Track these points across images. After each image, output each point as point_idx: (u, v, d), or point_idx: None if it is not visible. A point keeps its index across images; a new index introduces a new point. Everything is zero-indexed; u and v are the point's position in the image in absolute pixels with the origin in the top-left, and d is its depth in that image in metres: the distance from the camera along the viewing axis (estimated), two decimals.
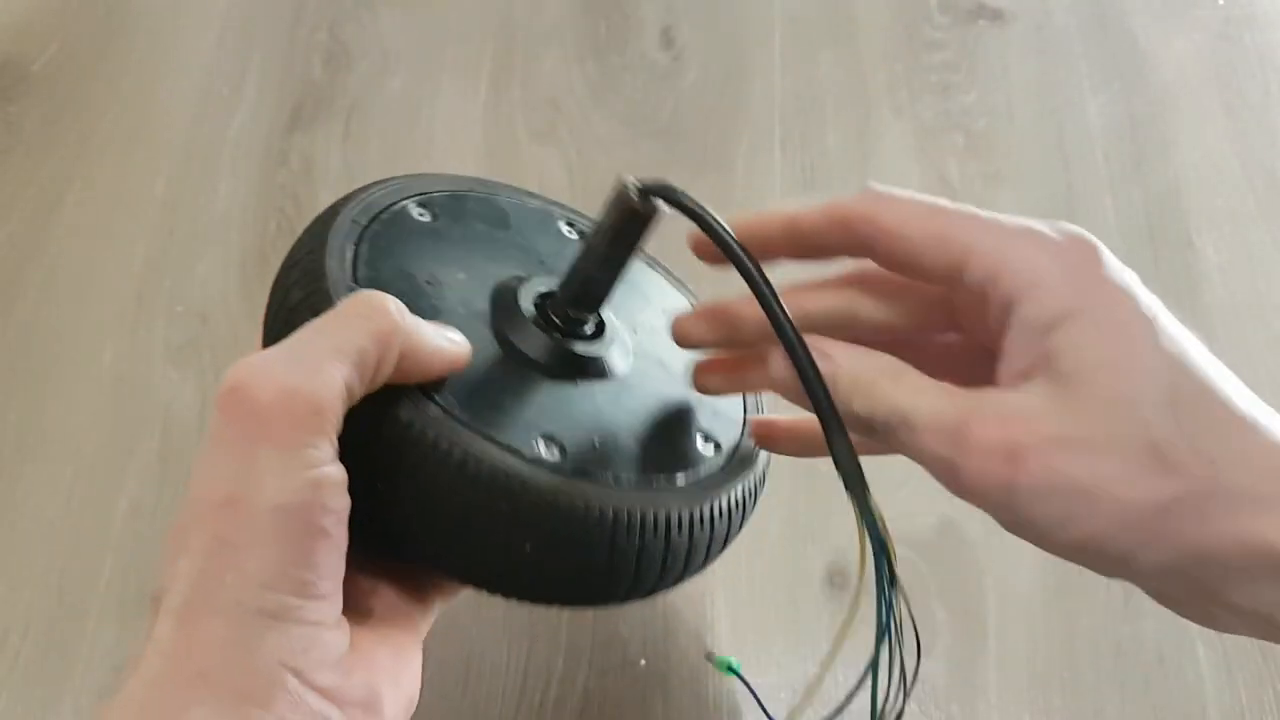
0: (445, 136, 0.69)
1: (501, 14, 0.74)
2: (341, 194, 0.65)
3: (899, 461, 0.54)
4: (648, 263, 0.44)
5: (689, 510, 0.34)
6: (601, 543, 0.32)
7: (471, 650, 0.52)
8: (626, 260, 0.35)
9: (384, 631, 0.31)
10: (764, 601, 0.53)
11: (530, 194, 0.42)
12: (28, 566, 0.54)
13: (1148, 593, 0.30)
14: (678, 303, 0.42)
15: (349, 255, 0.35)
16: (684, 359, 0.38)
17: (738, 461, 0.37)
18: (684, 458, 0.36)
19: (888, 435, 0.30)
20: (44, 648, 0.51)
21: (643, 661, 0.51)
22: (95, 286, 0.62)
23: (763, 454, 0.39)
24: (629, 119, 0.69)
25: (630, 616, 0.52)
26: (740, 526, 0.37)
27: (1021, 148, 0.69)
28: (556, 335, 0.35)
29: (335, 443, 0.28)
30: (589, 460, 0.33)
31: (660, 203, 0.33)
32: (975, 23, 0.74)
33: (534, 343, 0.35)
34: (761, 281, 0.32)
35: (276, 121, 0.69)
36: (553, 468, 0.32)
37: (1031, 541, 0.28)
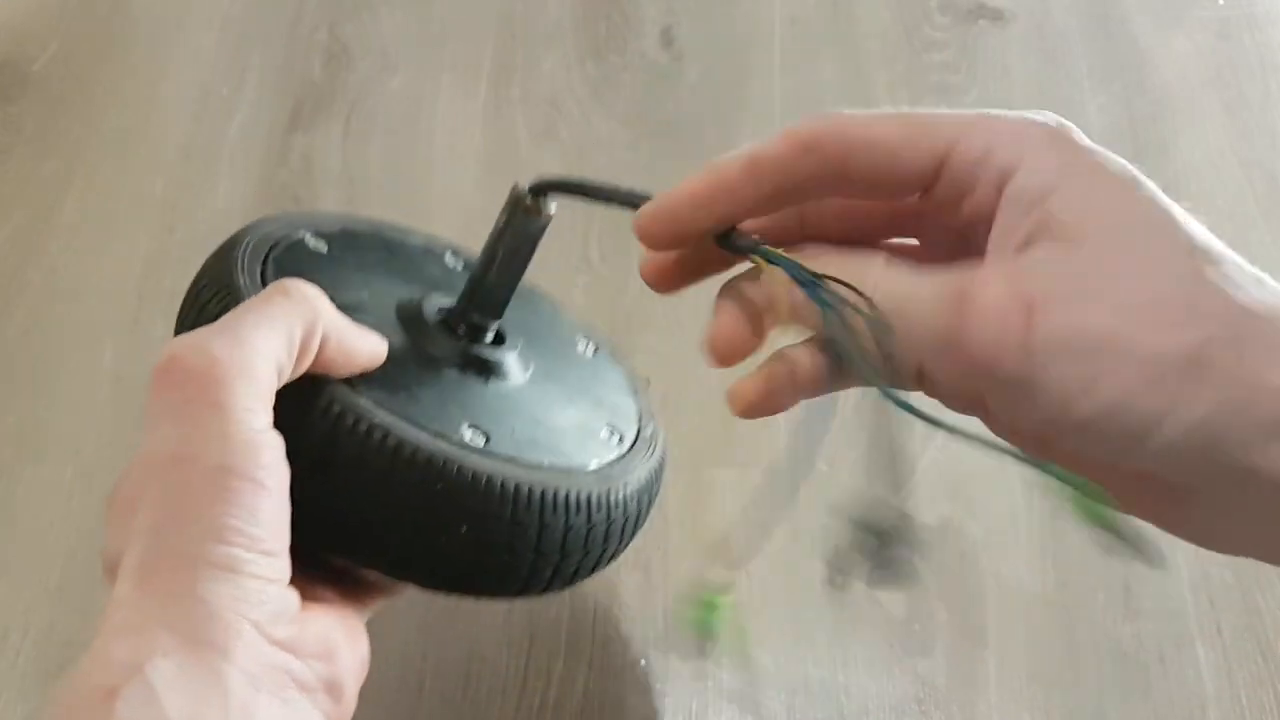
0: (445, 136, 0.69)
1: (501, 14, 0.74)
2: (342, 194, 0.66)
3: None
4: (536, 291, 0.46)
5: (608, 490, 0.35)
6: (531, 521, 0.33)
7: (472, 651, 0.52)
8: (524, 263, 0.37)
9: (327, 596, 0.33)
10: (764, 602, 0.53)
11: (412, 230, 0.44)
12: (28, 566, 0.54)
13: (1145, 497, 0.27)
14: (565, 322, 0.44)
15: (257, 274, 0.36)
16: (577, 369, 0.41)
17: (640, 450, 0.39)
18: (593, 445, 0.37)
19: (878, 332, 0.28)
20: (44, 647, 0.51)
21: (643, 661, 0.51)
22: (95, 286, 0.62)
23: (660, 444, 0.40)
24: (629, 119, 0.69)
25: (630, 617, 0.53)
26: (649, 508, 0.39)
27: None
28: (463, 340, 0.37)
29: (269, 411, 0.29)
30: (512, 446, 0.34)
31: (551, 203, 0.34)
32: (975, 23, 0.75)
33: (443, 347, 0.37)
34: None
35: (276, 121, 0.69)
36: (481, 451, 0.33)
37: (1046, 420, 0.26)
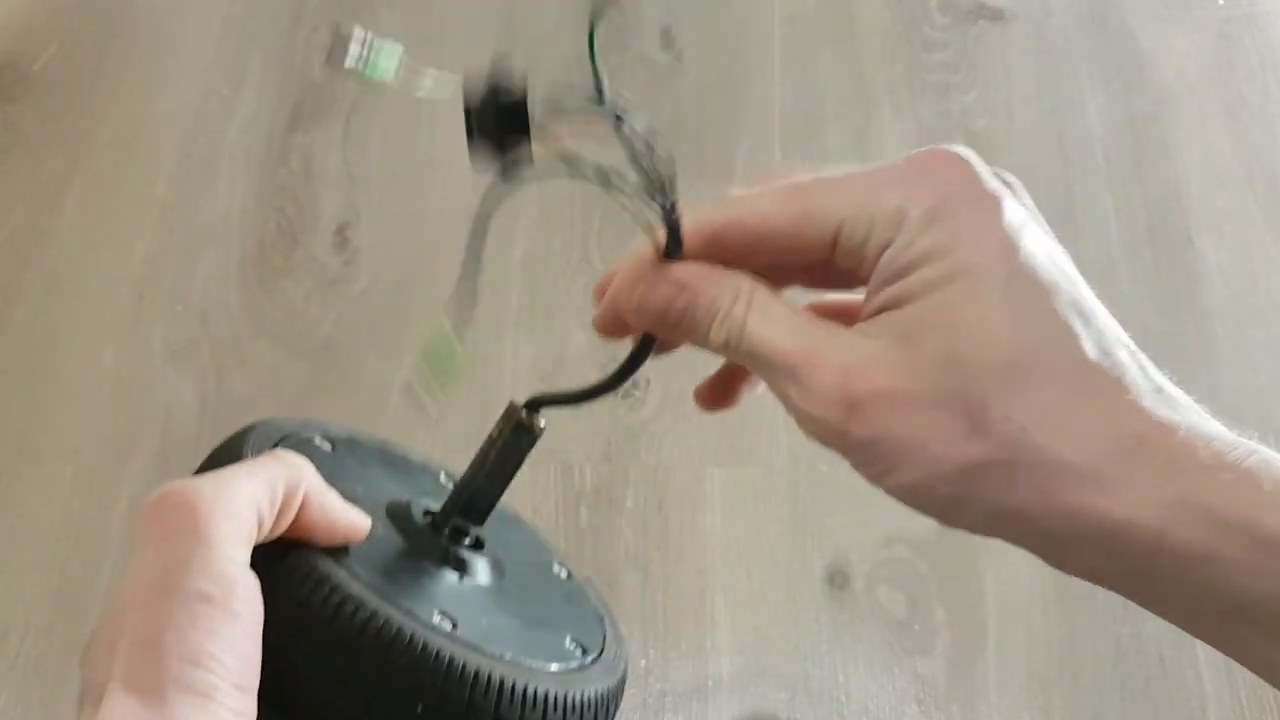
0: (444, 136, 0.69)
1: (501, 14, 0.74)
2: (342, 193, 0.66)
3: None
4: (522, 518, 0.48)
5: (565, 692, 0.37)
6: (487, 708, 0.34)
7: None
8: (511, 474, 0.38)
9: None
10: (764, 601, 0.53)
11: (412, 450, 0.45)
12: (28, 566, 0.54)
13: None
14: (544, 546, 0.46)
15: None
16: (550, 587, 0.43)
17: (602, 667, 0.41)
18: (556, 652, 0.39)
19: (743, 362, 0.30)
20: (44, 647, 0.51)
21: (643, 661, 0.51)
22: (95, 287, 0.62)
23: (623, 670, 0.42)
24: None
25: (630, 617, 0.53)
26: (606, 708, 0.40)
27: (1021, 148, 0.69)
28: (444, 540, 0.39)
29: (248, 553, 0.30)
30: (477, 635, 0.36)
31: (541, 420, 0.36)
32: (975, 23, 0.75)
33: (424, 541, 0.38)
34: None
35: (276, 122, 0.69)
36: (447, 635, 0.35)
37: (869, 480, 0.29)
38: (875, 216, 0.29)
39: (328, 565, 0.33)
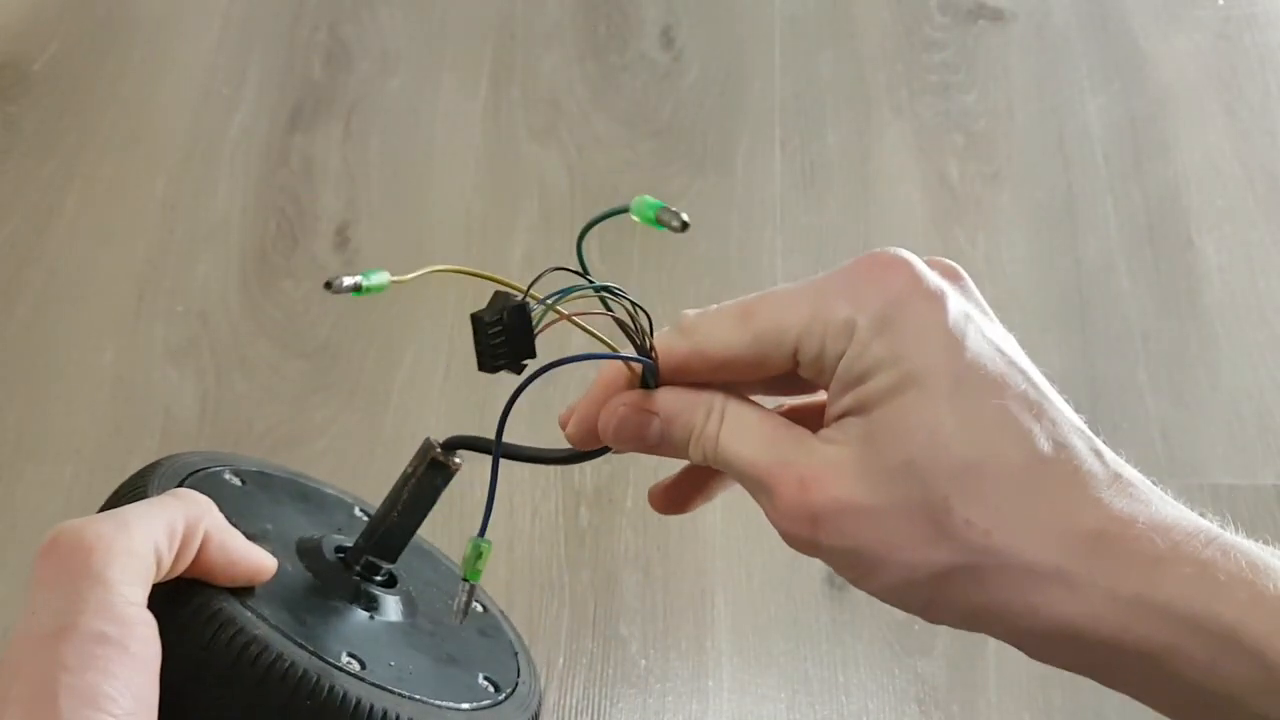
0: (445, 136, 0.69)
1: (501, 14, 0.74)
2: (342, 193, 0.66)
3: None
4: (437, 551, 0.47)
5: None
6: None
7: None
8: (425, 512, 0.38)
9: None
10: (764, 601, 0.53)
11: (327, 483, 0.45)
12: (28, 565, 0.54)
13: None
14: (455, 580, 0.45)
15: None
16: (460, 622, 0.42)
17: (514, 704, 0.40)
18: (468, 690, 0.38)
19: (723, 471, 0.32)
20: None
21: (643, 661, 0.51)
22: (95, 286, 0.62)
23: (534, 705, 0.42)
24: (629, 119, 0.70)
25: (630, 617, 0.53)
26: None
27: (1021, 148, 0.69)
28: (355, 577, 0.38)
29: (146, 592, 0.30)
30: (386, 676, 0.35)
31: (457, 458, 0.36)
32: (975, 23, 0.75)
33: (335, 580, 0.38)
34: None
35: (276, 121, 0.69)
36: (355, 675, 0.34)
37: (850, 582, 0.30)
38: (827, 329, 0.30)
39: (231, 606, 0.33)
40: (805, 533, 0.29)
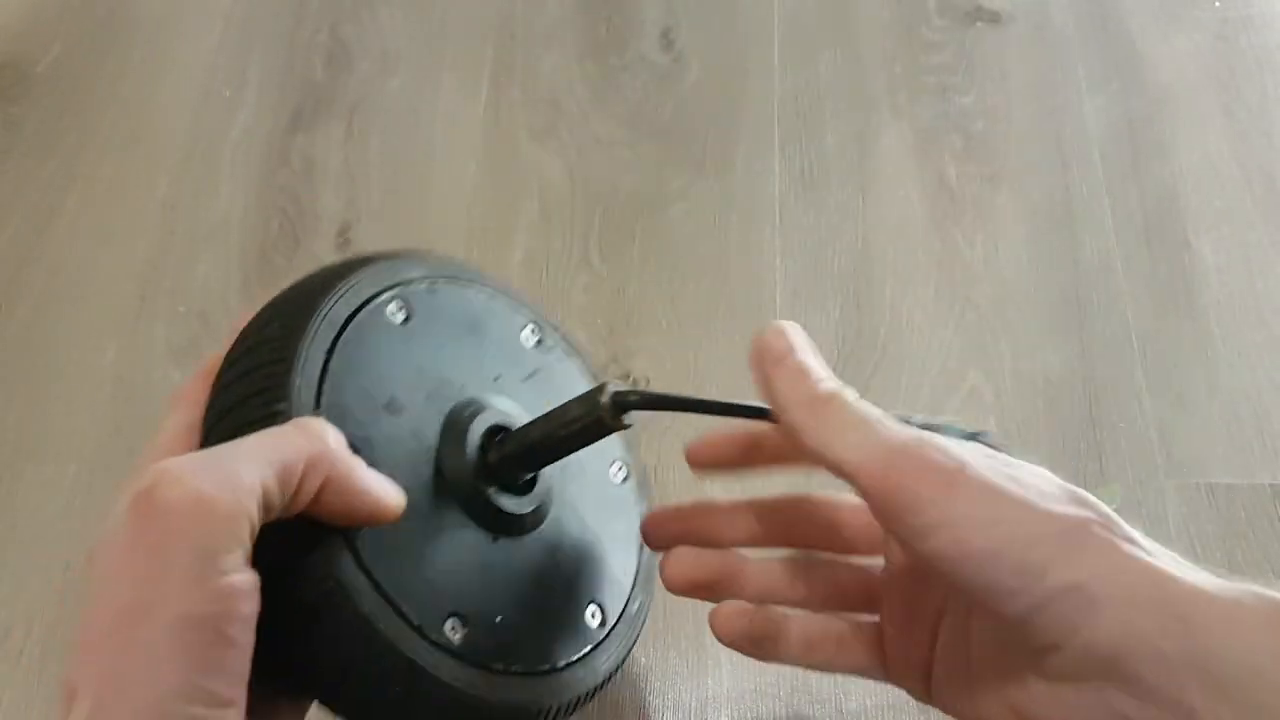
0: (445, 137, 0.69)
1: (501, 14, 0.75)
2: (343, 194, 0.66)
3: None
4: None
5: (558, 701, 0.36)
6: None
7: None
8: (579, 449, 0.37)
9: None
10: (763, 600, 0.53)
11: (499, 287, 0.42)
12: (29, 565, 0.54)
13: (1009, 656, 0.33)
14: (610, 444, 0.43)
15: (315, 375, 0.34)
16: (597, 510, 0.41)
17: (617, 636, 0.40)
18: (570, 639, 0.38)
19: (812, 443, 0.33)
20: (46, 647, 0.52)
21: (643, 659, 0.51)
22: (97, 287, 0.63)
23: (642, 619, 0.42)
24: (629, 120, 0.70)
25: None
26: (603, 689, 0.40)
27: (1020, 149, 0.69)
28: (491, 487, 0.36)
29: (249, 549, 0.28)
30: (487, 644, 0.34)
31: (627, 417, 0.35)
32: (973, 24, 0.75)
33: (468, 493, 0.36)
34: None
35: (277, 122, 0.69)
36: (455, 653, 0.33)
37: (950, 541, 0.31)
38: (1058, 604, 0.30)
39: (341, 557, 0.31)
40: (940, 483, 0.31)
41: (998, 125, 0.70)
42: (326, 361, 0.34)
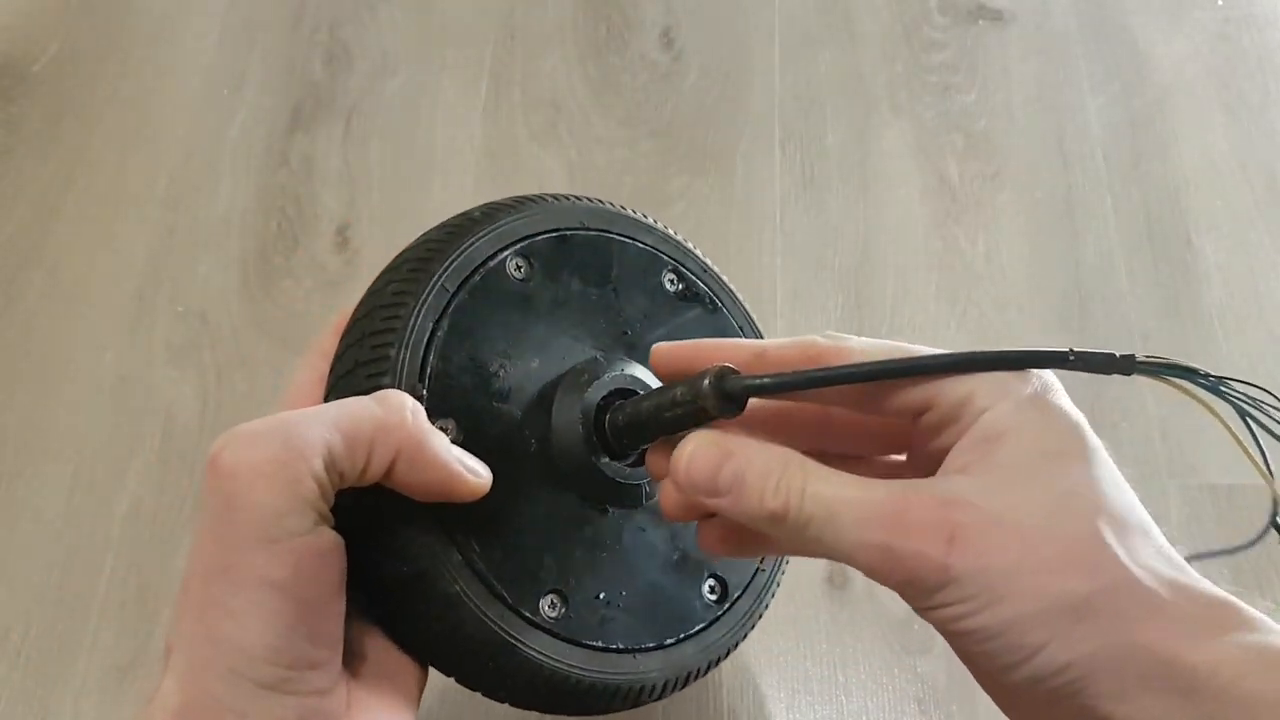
0: (446, 136, 0.69)
1: (502, 14, 0.75)
2: (343, 194, 0.66)
3: None
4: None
5: (663, 680, 0.35)
6: (572, 705, 0.34)
7: None
8: (690, 430, 0.35)
9: (379, 685, 0.32)
10: None
11: (645, 227, 0.40)
12: (28, 566, 0.54)
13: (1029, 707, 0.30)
14: None
15: (422, 345, 0.34)
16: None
17: (737, 612, 0.38)
18: (681, 615, 0.36)
19: (801, 529, 0.29)
20: (45, 647, 0.51)
21: None
22: (96, 287, 0.63)
23: (764, 598, 0.39)
24: (629, 119, 0.70)
25: None
26: (716, 664, 0.39)
27: (1021, 148, 0.69)
28: (603, 458, 0.35)
29: (323, 510, 0.28)
30: (588, 621, 0.34)
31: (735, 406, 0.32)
32: (975, 23, 0.75)
33: (578, 463, 0.34)
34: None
35: (277, 122, 0.69)
36: (548, 629, 0.33)
37: (945, 625, 0.29)
38: (977, 386, 0.30)
39: (437, 552, 0.31)
40: (937, 551, 0.27)
41: (999, 124, 0.70)
42: (434, 330, 0.34)
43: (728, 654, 0.38)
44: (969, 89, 0.71)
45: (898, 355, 0.30)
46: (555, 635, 0.33)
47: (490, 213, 0.37)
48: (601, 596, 0.34)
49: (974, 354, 0.29)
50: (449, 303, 0.34)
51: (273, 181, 0.67)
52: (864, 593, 0.53)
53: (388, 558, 0.31)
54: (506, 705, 0.34)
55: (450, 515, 0.32)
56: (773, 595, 0.40)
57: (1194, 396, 0.29)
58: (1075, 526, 0.28)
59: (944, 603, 0.28)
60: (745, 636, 0.39)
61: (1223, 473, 0.56)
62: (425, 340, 0.33)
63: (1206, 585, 0.28)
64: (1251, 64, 0.73)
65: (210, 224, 0.65)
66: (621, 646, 0.34)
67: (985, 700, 0.51)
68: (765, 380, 0.30)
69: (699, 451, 0.30)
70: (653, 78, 0.72)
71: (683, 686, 0.36)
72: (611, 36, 0.73)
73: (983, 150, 0.69)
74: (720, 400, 0.30)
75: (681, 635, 0.36)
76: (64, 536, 0.54)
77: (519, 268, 0.36)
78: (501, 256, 0.36)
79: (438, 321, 0.34)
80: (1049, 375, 0.30)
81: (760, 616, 0.39)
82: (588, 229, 0.38)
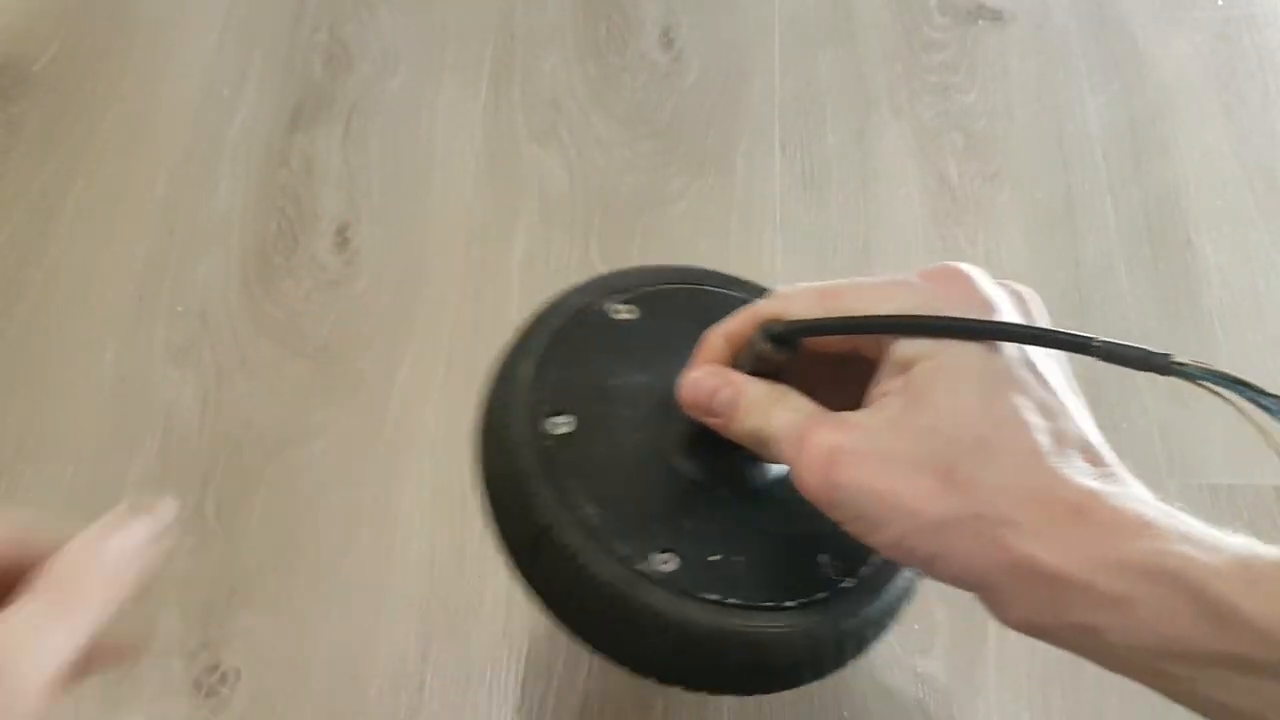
0: (446, 137, 0.69)
1: (502, 14, 0.75)
2: (343, 194, 0.66)
3: None
4: None
5: (788, 640, 0.37)
6: (697, 655, 0.36)
7: (471, 652, 0.52)
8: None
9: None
10: None
11: (740, 284, 0.44)
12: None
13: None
14: None
15: (537, 356, 0.40)
16: None
17: (862, 590, 0.39)
18: (798, 581, 0.38)
19: (764, 448, 0.35)
20: None
21: None
22: (96, 287, 0.63)
23: (887, 594, 0.40)
24: (629, 120, 0.70)
25: None
26: (857, 649, 0.40)
27: (1021, 148, 0.69)
28: (721, 449, 0.38)
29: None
30: (702, 577, 0.36)
31: (787, 349, 0.36)
32: (975, 23, 0.75)
33: (693, 452, 0.38)
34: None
35: (277, 122, 0.69)
36: (662, 582, 0.35)
37: (859, 538, 0.33)
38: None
39: (558, 508, 0.36)
40: (821, 477, 0.32)
41: (999, 124, 0.70)
42: (548, 348, 0.40)
43: (863, 640, 0.39)
44: (969, 89, 0.71)
45: (825, 300, 0.35)
46: (668, 587, 0.35)
47: (589, 281, 0.43)
48: (717, 557, 0.37)
49: (1004, 324, 0.33)
50: (558, 330, 0.40)
51: (273, 181, 0.67)
52: None
53: (514, 525, 0.36)
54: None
55: (570, 485, 0.36)
56: (904, 600, 0.41)
57: (1234, 405, 0.32)
58: (941, 456, 0.31)
59: (840, 520, 0.33)
60: (879, 628, 0.39)
61: (1223, 473, 0.56)
62: (540, 354, 0.40)
63: (1062, 490, 0.31)
64: (1252, 64, 0.73)
65: (210, 224, 0.65)
66: (739, 601, 0.36)
67: (984, 699, 0.51)
68: (804, 323, 0.35)
69: (702, 378, 0.37)
70: (653, 78, 0.72)
71: (815, 659, 0.37)
72: (611, 36, 0.73)
73: (982, 150, 0.69)
74: (774, 344, 0.35)
75: (803, 600, 0.37)
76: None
77: (616, 311, 0.41)
78: (604, 303, 0.42)
79: (550, 345, 0.40)
80: (952, 293, 0.34)
81: (893, 614, 0.40)
82: (685, 284, 0.43)
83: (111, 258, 0.64)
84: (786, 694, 0.50)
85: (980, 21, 0.75)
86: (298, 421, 0.58)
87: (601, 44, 0.73)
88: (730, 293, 0.43)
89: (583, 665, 0.51)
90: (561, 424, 0.38)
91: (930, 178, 0.67)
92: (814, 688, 0.50)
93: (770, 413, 0.35)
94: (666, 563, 0.36)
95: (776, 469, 0.39)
